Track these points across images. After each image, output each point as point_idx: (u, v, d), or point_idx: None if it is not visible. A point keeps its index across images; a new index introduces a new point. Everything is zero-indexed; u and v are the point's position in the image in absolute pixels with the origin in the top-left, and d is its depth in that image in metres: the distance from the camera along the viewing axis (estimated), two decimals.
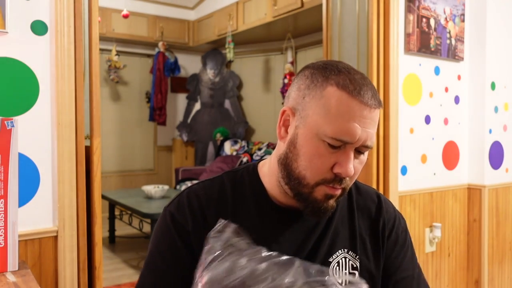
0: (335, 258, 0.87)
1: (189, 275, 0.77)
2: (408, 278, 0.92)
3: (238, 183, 0.90)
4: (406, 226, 0.97)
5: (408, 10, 2.18)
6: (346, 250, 0.88)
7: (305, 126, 0.79)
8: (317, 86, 0.78)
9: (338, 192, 0.80)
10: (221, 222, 0.74)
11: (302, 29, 4.84)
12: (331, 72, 0.78)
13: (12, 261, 1.18)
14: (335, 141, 0.76)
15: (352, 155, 0.77)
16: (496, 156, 2.49)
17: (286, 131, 0.83)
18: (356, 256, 0.88)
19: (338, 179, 0.78)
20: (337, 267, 0.86)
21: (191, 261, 0.80)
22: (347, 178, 0.79)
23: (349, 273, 0.87)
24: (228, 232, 0.72)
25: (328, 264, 0.86)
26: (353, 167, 0.78)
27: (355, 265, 0.88)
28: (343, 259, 0.87)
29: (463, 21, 2.43)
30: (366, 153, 0.81)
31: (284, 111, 0.83)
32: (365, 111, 0.76)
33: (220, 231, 0.72)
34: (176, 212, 0.86)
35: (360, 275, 0.87)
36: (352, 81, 0.77)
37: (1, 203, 1.16)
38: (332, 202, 0.81)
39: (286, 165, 0.82)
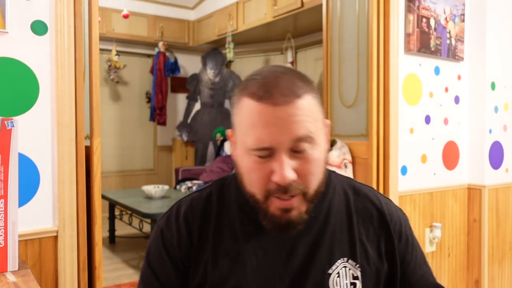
0: (334, 269, 0.82)
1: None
2: (425, 274, 0.91)
3: (225, 192, 0.88)
4: (408, 221, 0.94)
5: (408, 10, 2.18)
6: (345, 259, 0.83)
7: (237, 144, 0.78)
8: (236, 101, 0.77)
9: (291, 202, 0.75)
10: None
11: (302, 29, 4.83)
12: (247, 82, 0.76)
13: (12, 261, 1.18)
14: (258, 151, 0.73)
15: (284, 159, 0.72)
16: (496, 156, 2.49)
17: None
18: (356, 265, 0.83)
19: (282, 188, 0.73)
20: (337, 279, 0.82)
21: (178, 276, 0.84)
22: (294, 184, 0.73)
23: (350, 283, 0.82)
24: None
25: (327, 276, 0.81)
26: (298, 169, 0.73)
27: (355, 275, 0.83)
28: (343, 268, 0.82)
29: (463, 21, 2.43)
30: (314, 150, 0.74)
31: (229, 135, 0.83)
32: (276, 111, 0.71)
33: None
34: (165, 228, 0.87)
35: (363, 284, 0.83)
36: (263, 85, 0.73)
37: (1, 203, 1.16)
38: (294, 214, 0.76)
39: (241, 184, 0.81)
